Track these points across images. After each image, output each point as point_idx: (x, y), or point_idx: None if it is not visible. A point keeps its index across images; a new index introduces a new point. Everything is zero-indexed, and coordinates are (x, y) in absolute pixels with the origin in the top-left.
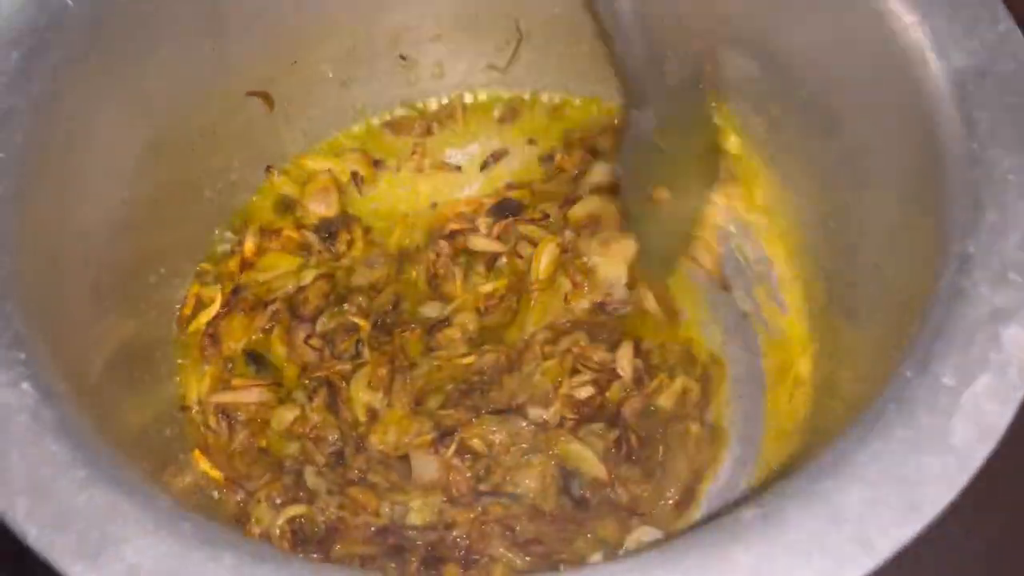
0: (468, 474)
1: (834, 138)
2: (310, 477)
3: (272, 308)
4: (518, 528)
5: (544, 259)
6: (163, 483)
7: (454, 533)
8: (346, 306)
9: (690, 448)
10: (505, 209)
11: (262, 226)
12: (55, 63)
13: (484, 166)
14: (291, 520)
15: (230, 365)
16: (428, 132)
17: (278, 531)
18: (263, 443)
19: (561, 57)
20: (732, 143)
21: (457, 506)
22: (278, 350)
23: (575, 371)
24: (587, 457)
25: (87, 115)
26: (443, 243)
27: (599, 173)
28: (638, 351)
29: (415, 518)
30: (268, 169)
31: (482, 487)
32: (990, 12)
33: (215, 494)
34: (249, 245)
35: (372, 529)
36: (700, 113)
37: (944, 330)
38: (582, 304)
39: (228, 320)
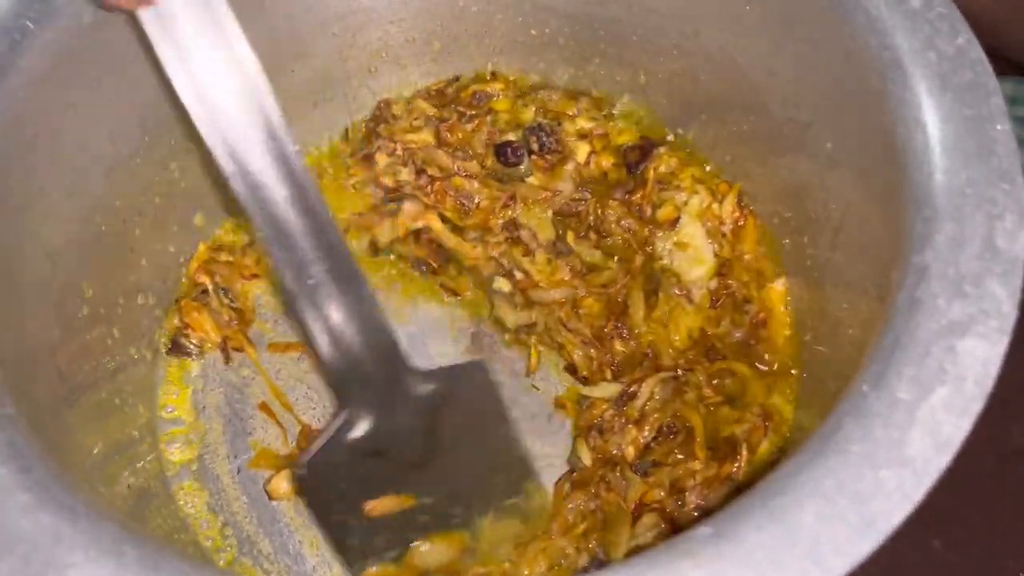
0: None
1: (802, 151)
2: None
3: None
4: None
5: None
6: (116, 494)
7: None
8: None
9: None
10: None
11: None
12: (15, 86)
13: None
14: None
15: None
16: None
17: None
18: None
19: None
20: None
21: None
22: None
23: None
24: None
25: (52, 136)
26: None
27: None
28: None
29: None
30: None
31: None
32: (949, 25)
33: None
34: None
35: None
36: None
37: (901, 342)
38: None
39: None
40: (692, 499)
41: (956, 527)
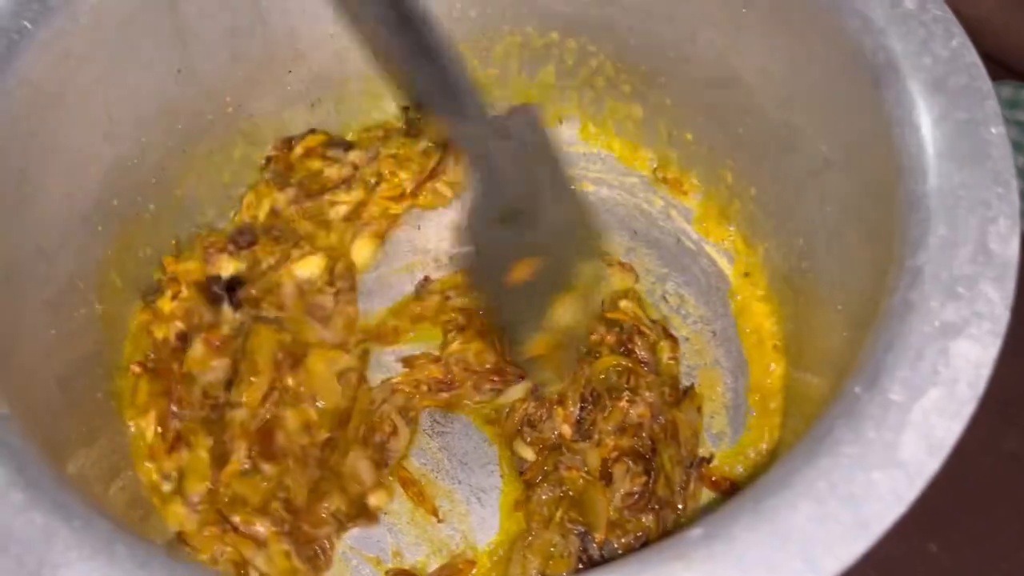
0: None
1: (796, 153)
2: None
3: None
4: None
5: None
6: (109, 498)
7: None
8: None
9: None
10: None
11: None
12: (11, 86)
13: None
14: None
15: None
16: None
17: None
18: None
19: None
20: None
21: None
22: None
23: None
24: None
25: (48, 136)
26: None
27: None
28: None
29: None
30: None
31: None
32: (944, 28)
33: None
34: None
35: None
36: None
37: (894, 345)
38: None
39: None
40: (647, 419)
41: (952, 530)
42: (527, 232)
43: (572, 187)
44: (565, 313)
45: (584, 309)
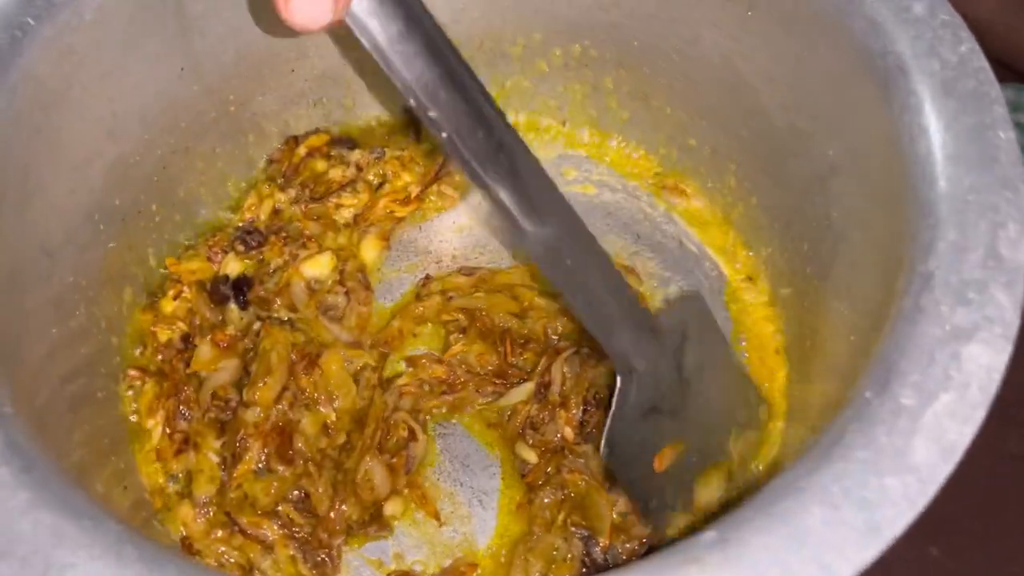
0: None
1: (801, 158)
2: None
3: None
4: None
5: None
6: (113, 501)
7: None
8: None
9: None
10: None
11: None
12: (15, 82)
13: None
14: None
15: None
16: None
17: None
18: None
19: None
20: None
21: None
22: None
23: None
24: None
25: (51, 133)
26: None
27: None
28: None
29: None
30: None
31: None
32: (952, 32)
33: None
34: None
35: None
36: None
37: (905, 349)
38: None
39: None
40: None
41: (953, 534)
42: (676, 417)
43: (734, 361)
44: (709, 491)
45: (729, 483)
